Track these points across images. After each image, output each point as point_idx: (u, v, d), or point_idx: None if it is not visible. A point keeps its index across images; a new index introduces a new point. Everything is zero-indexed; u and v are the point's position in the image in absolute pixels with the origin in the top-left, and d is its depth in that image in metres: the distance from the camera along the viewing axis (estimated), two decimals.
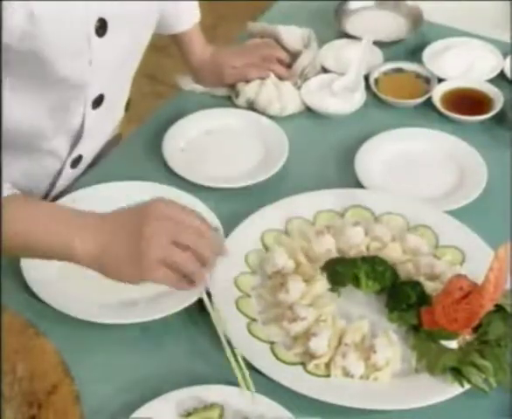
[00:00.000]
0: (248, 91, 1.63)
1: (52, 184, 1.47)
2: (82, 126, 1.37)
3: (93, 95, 1.33)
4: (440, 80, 1.66)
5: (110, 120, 1.48)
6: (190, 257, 1.13)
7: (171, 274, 1.13)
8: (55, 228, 1.13)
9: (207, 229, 1.16)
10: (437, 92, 1.63)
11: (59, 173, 1.45)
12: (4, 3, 1.10)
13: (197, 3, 1.63)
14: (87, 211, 1.16)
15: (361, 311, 1.24)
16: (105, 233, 1.12)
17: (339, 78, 1.66)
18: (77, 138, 1.40)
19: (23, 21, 1.14)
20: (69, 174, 1.46)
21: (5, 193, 1.13)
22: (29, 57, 1.19)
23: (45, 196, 1.47)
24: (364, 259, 1.27)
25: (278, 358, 1.18)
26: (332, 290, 1.26)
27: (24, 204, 1.16)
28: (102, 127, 1.45)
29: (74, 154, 1.43)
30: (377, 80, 1.67)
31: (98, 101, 1.35)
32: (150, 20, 1.37)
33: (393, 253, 1.30)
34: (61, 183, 1.47)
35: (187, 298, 1.25)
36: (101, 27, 1.22)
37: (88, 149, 1.45)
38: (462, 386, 1.14)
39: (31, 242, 1.15)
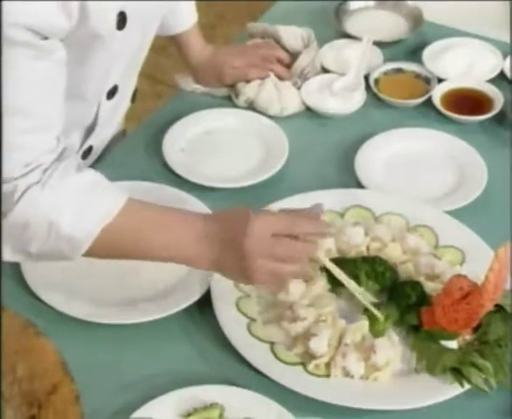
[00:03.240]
0: (248, 91, 1.63)
1: None
2: (96, 117, 1.38)
3: (108, 86, 1.34)
4: (440, 80, 1.66)
5: (120, 110, 1.49)
6: (290, 267, 1.19)
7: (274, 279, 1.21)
8: (177, 252, 1.19)
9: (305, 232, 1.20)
10: (437, 93, 1.63)
11: None
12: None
13: (194, 4, 1.63)
14: (196, 221, 1.20)
15: (361, 311, 1.24)
16: (214, 251, 1.17)
17: (339, 79, 1.66)
18: (90, 129, 1.41)
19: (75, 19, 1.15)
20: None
21: (121, 201, 1.17)
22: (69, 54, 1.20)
23: None
24: (364, 259, 1.27)
25: (278, 358, 1.18)
26: (332, 290, 1.26)
27: (140, 214, 1.20)
28: (113, 117, 1.46)
29: (86, 146, 1.43)
30: (377, 80, 1.67)
31: (112, 92, 1.36)
32: (159, 14, 1.38)
33: (393, 253, 1.30)
34: None
35: (187, 299, 1.25)
36: (121, 20, 1.23)
37: (99, 140, 1.46)
38: (462, 386, 1.14)
39: (149, 256, 1.21)
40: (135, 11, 1.25)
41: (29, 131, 1.11)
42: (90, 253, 1.16)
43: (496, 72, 1.68)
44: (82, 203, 1.14)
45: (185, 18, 1.63)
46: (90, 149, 1.46)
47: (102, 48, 1.23)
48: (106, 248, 1.17)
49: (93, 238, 1.14)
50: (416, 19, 1.81)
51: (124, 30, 1.24)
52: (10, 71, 1.07)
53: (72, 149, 1.43)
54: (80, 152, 1.44)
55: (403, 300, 1.22)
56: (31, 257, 1.16)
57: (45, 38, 1.09)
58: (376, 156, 1.51)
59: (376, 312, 1.20)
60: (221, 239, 1.17)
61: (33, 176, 1.12)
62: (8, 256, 1.15)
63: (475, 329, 1.19)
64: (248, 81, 1.64)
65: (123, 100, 1.46)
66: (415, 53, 1.74)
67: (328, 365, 1.17)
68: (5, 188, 1.11)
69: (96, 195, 1.16)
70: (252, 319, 1.23)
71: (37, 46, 1.09)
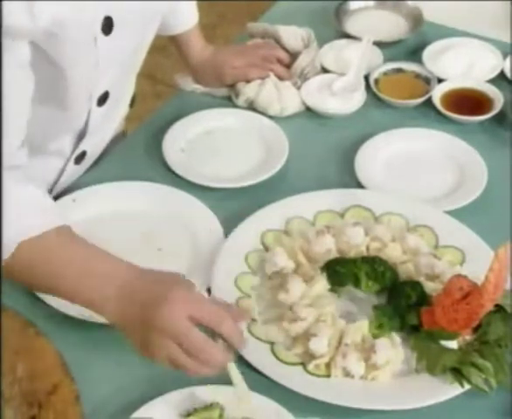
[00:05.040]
0: (248, 91, 1.63)
1: (56, 181, 1.46)
2: (87, 123, 1.37)
3: (98, 92, 1.33)
4: (440, 80, 1.66)
5: (114, 116, 1.48)
6: (194, 362, 1.06)
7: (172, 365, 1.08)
8: (85, 289, 1.10)
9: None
10: (437, 93, 1.63)
11: (63, 170, 1.45)
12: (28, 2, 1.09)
13: (195, 4, 1.63)
14: (114, 273, 1.11)
15: (361, 311, 1.24)
16: (127, 307, 1.08)
17: (339, 79, 1.66)
18: (81, 135, 1.40)
19: (46, 21, 1.14)
20: (73, 170, 1.46)
21: (49, 224, 1.12)
22: (42, 57, 1.19)
23: (49, 192, 1.47)
24: (364, 259, 1.27)
25: (278, 358, 1.18)
26: (332, 290, 1.26)
27: (63, 247, 1.13)
28: (106, 123, 1.45)
29: (78, 151, 1.43)
30: (377, 80, 1.67)
31: (103, 98, 1.35)
32: (154, 18, 1.37)
33: (393, 253, 1.30)
34: (64, 180, 1.47)
35: None
36: (107, 25, 1.22)
37: (92, 145, 1.45)
38: (462, 386, 1.14)
39: (60, 289, 1.13)
40: (123, 15, 1.24)
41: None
42: (7, 269, 1.12)
43: (496, 72, 1.68)
44: (16, 212, 1.11)
45: (186, 18, 1.63)
46: (83, 154, 1.45)
47: (84, 53, 1.22)
48: (17, 270, 1.12)
49: (10, 251, 1.10)
50: (416, 19, 1.81)
51: (111, 34, 1.23)
52: None
53: (61, 154, 1.42)
54: (73, 157, 1.44)
55: (403, 300, 1.22)
56: None
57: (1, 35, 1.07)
58: (376, 156, 1.51)
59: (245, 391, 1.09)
60: (136, 298, 1.07)
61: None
62: None
63: (475, 329, 1.19)
64: (248, 81, 1.64)
65: (117, 106, 1.45)
66: (415, 53, 1.74)
67: (328, 365, 1.17)
68: None
69: (30, 208, 1.13)
70: (252, 319, 1.23)
71: None
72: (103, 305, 1.09)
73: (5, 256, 1.11)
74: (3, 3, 1.05)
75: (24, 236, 1.11)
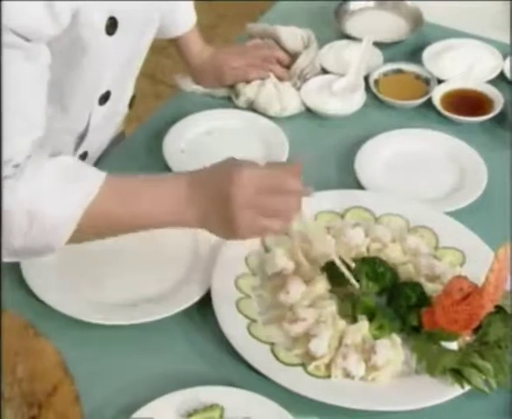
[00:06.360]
0: (248, 91, 1.63)
1: None
2: (88, 122, 1.38)
3: (100, 92, 1.34)
4: (440, 81, 1.66)
5: (114, 116, 1.48)
6: (274, 223, 1.18)
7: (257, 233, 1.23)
8: (165, 208, 1.19)
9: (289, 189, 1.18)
10: (437, 93, 1.63)
11: None
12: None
13: (192, 5, 1.63)
14: (180, 180, 1.20)
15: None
16: (200, 207, 1.17)
17: (339, 79, 1.66)
18: (82, 135, 1.40)
19: (65, 20, 1.15)
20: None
21: (100, 178, 1.15)
22: (55, 57, 1.19)
23: None
24: (365, 260, 1.27)
25: (278, 359, 1.18)
26: (332, 291, 1.26)
27: (123, 186, 1.19)
28: (106, 123, 1.45)
29: (80, 152, 1.43)
30: (376, 81, 1.67)
31: (104, 98, 1.35)
32: (155, 19, 1.38)
33: (393, 254, 1.30)
34: None
35: (187, 299, 1.25)
36: (112, 25, 1.22)
37: (93, 146, 1.46)
38: (462, 387, 1.14)
39: (138, 222, 1.19)
40: (127, 16, 1.24)
41: (10, 132, 1.10)
42: (76, 236, 1.14)
43: (496, 73, 1.68)
44: (61, 188, 1.13)
45: (184, 21, 1.63)
46: (85, 155, 1.45)
47: (91, 53, 1.23)
48: (91, 228, 1.16)
49: (77, 221, 1.13)
50: (416, 20, 1.81)
51: (115, 35, 1.24)
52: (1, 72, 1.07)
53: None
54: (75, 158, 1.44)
55: (403, 301, 1.22)
56: (17, 254, 1.15)
57: (29, 40, 1.09)
58: (376, 157, 1.51)
59: (354, 282, 1.22)
60: (206, 192, 1.17)
61: (6, 170, 1.11)
62: None
63: (475, 330, 1.19)
64: (248, 82, 1.64)
65: (117, 107, 1.45)
66: (415, 54, 1.74)
67: (328, 366, 1.17)
68: None
69: (73, 177, 1.15)
70: (253, 320, 1.23)
71: (24, 48, 1.09)
72: (184, 221, 1.19)
73: (72, 226, 1.13)
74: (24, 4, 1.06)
75: (87, 198, 1.13)
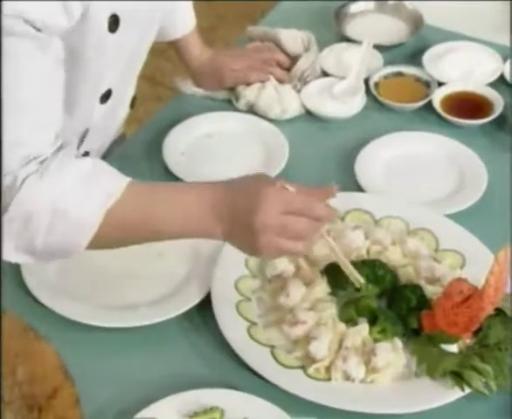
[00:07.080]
0: (248, 94, 1.63)
1: None
2: (90, 121, 1.38)
3: (101, 90, 1.34)
4: (440, 84, 1.66)
5: (115, 116, 1.48)
6: (297, 245, 1.17)
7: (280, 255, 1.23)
8: (181, 220, 1.18)
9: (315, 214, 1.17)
10: (437, 96, 1.63)
11: None
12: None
13: (192, 7, 1.63)
14: (207, 196, 1.18)
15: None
16: (224, 222, 1.16)
17: (339, 82, 1.66)
18: (84, 134, 1.40)
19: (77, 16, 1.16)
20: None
21: (124, 181, 1.15)
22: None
23: None
24: (365, 263, 1.27)
25: (278, 362, 1.18)
26: (332, 293, 1.26)
27: (145, 193, 1.19)
28: (108, 122, 1.45)
29: (81, 151, 1.43)
30: (377, 84, 1.67)
31: (106, 96, 1.36)
32: (156, 17, 1.38)
33: (393, 257, 1.30)
34: None
35: (187, 302, 1.25)
36: (114, 23, 1.23)
37: (94, 146, 1.46)
38: (463, 390, 1.14)
39: (154, 232, 1.18)
40: (129, 14, 1.24)
41: (31, 126, 1.11)
42: (98, 240, 1.14)
43: (496, 76, 1.68)
44: (85, 187, 1.13)
45: (184, 23, 1.63)
46: (86, 155, 1.45)
47: (93, 51, 1.23)
48: (112, 231, 1.15)
49: (100, 221, 1.13)
50: (416, 23, 1.82)
51: (117, 32, 1.24)
52: (15, 64, 1.07)
53: None
54: None
55: (403, 304, 1.22)
56: (35, 254, 1.14)
57: (41, 31, 1.08)
58: (376, 160, 1.51)
59: (360, 282, 1.22)
60: (235, 205, 1.15)
61: (31, 166, 1.11)
62: (11, 255, 1.14)
63: (475, 333, 1.19)
64: (248, 84, 1.64)
65: (120, 106, 1.45)
66: (415, 57, 1.74)
67: (328, 368, 1.17)
68: (5, 181, 1.10)
69: (98, 177, 1.15)
70: (253, 323, 1.23)
71: (37, 38, 1.08)
72: (211, 234, 1.18)
73: (96, 226, 1.13)
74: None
75: (110, 199, 1.13)
